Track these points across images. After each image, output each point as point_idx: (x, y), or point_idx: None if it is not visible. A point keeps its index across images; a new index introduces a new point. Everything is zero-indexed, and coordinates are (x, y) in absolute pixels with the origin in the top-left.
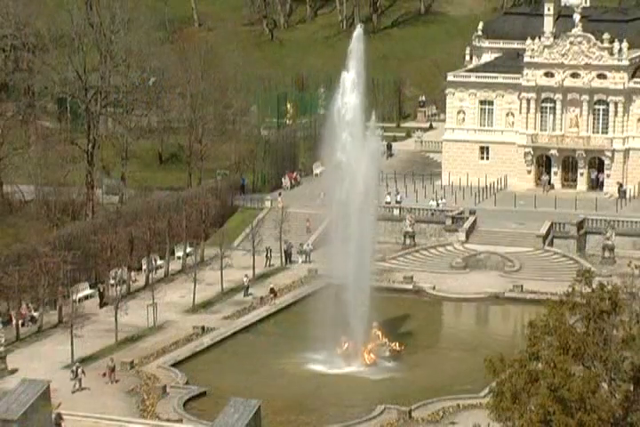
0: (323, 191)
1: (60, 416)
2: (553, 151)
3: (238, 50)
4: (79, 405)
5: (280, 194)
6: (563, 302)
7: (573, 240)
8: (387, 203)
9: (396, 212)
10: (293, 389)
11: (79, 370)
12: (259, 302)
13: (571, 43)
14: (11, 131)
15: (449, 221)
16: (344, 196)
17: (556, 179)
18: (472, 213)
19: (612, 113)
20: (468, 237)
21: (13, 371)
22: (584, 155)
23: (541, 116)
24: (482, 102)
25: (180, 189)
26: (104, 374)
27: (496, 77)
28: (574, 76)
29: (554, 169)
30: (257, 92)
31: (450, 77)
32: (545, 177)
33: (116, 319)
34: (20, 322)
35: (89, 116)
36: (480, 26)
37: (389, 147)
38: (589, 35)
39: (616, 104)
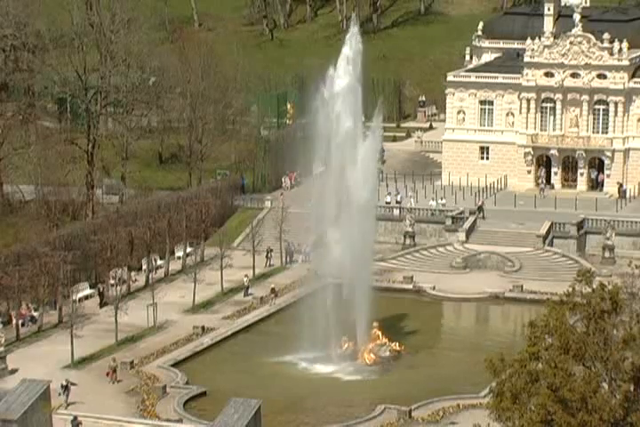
0: (313, 197)
1: (78, 422)
2: (553, 151)
3: (238, 50)
4: (79, 405)
5: (282, 194)
6: (563, 302)
7: (573, 240)
8: (387, 203)
9: (396, 212)
10: (293, 389)
11: (69, 384)
12: (259, 302)
13: (571, 43)
14: (11, 131)
15: (449, 221)
16: (343, 196)
17: (556, 179)
18: (472, 213)
19: (612, 113)
20: (467, 237)
21: (13, 371)
22: (584, 155)
23: (541, 116)
24: (482, 102)
25: (179, 189)
26: (107, 374)
27: (496, 77)
28: (574, 76)
29: (554, 169)
30: (257, 92)
31: (450, 77)
32: (541, 182)
33: (115, 319)
34: (20, 322)
35: (89, 116)
36: (480, 26)
37: (382, 152)
38: (589, 35)
39: (616, 104)
